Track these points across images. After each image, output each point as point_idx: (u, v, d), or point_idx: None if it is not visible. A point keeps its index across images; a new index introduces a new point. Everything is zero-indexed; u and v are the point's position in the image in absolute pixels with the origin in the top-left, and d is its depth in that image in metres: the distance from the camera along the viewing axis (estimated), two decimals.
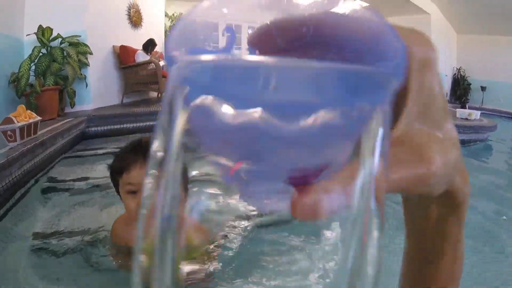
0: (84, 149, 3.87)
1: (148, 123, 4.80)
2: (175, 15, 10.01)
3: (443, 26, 10.74)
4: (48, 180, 2.80)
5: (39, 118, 3.32)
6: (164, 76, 6.66)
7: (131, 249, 0.70)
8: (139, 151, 1.14)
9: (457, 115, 5.38)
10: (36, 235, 1.85)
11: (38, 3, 5.06)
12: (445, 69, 10.72)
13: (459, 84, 11.27)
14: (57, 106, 4.73)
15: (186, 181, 1.23)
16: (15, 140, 2.96)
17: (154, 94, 7.52)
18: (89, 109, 5.39)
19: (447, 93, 10.35)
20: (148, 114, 4.99)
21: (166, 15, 9.42)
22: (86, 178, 2.76)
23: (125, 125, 4.69)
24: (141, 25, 7.34)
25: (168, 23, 9.74)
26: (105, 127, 4.57)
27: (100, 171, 2.87)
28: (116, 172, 1.17)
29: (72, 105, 5.01)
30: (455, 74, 11.52)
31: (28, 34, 4.80)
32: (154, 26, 7.98)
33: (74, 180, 2.75)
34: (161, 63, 6.75)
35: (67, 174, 2.92)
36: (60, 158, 3.38)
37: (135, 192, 1.12)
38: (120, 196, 1.22)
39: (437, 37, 10.12)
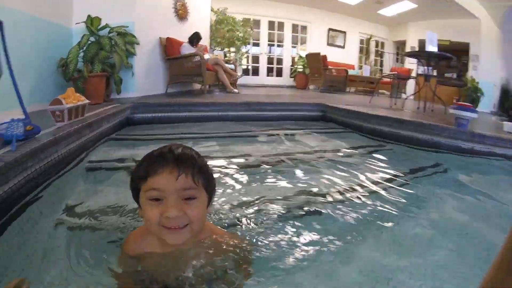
0: (127, 134, 3.91)
1: (190, 114, 4.84)
2: (220, 9, 10.06)
3: (493, 32, 10.13)
4: (90, 160, 2.82)
5: (87, 101, 3.37)
6: (208, 69, 6.70)
7: (141, 266, 1.07)
8: (169, 157, 1.04)
9: (504, 129, 4.48)
10: (72, 210, 1.88)
11: None
12: (494, 78, 9.61)
13: (508, 95, 10.45)
14: (103, 91, 4.85)
15: (212, 191, 1.17)
16: (62, 121, 3.02)
17: (197, 86, 7.59)
18: (134, 96, 5.51)
19: (494, 104, 9.56)
20: (191, 105, 4.99)
21: (212, 9, 9.48)
22: (126, 161, 2.77)
23: (168, 114, 4.71)
24: (187, 19, 7.42)
25: (214, 18, 9.79)
26: (149, 115, 4.60)
27: (141, 156, 2.88)
28: (140, 177, 1.06)
29: (118, 91, 5.16)
30: (503, 84, 10.74)
31: (77, 23, 4.97)
32: (199, 20, 8.05)
33: (115, 162, 2.77)
34: (206, 56, 6.79)
35: (109, 156, 2.95)
36: (104, 140, 3.44)
37: (158, 199, 1.03)
38: (139, 205, 1.11)
39: (486, 44, 9.61)
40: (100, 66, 4.76)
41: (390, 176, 2.59)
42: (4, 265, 1.32)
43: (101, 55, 4.80)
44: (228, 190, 2.21)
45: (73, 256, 1.40)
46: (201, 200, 1.07)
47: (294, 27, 12.72)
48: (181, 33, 6.94)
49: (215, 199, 2.00)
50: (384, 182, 2.45)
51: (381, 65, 14.54)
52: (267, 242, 1.51)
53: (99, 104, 4.52)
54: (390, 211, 1.96)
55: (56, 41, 4.72)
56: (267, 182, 2.41)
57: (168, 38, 6.52)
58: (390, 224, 1.80)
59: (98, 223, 1.71)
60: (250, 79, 11.80)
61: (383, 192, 2.25)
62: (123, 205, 1.88)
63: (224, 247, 1.25)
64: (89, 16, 4.86)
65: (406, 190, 2.32)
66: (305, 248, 1.51)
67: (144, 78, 5.96)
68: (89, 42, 4.84)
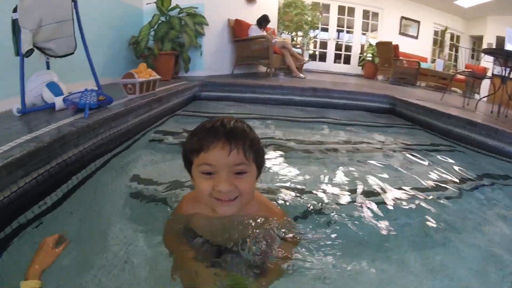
0: (194, 110, 3.94)
1: (255, 95, 4.79)
2: None
3: None
4: (157, 132, 2.87)
5: (158, 77, 3.43)
6: (275, 53, 6.59)
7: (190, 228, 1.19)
8: (221, 131, 1.02)
9: None
10: (134, 176, 1.93)
11: None
12: None
13: None
14: (172, 69, 4.95)
15: (261, 164, 1.15)
16: (134, 93, 3.09)
17: (263, 69, 7.52)
18: (201, 75, 5.55)
19: None
20: (257, 86, 4.92)
21: None
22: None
23: (234, 94, 4.70)
24: (255, 1, 7.35)
25: (282, 0, 9.64)
26: (216, 93, 4.63)
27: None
28: (193, 150, 1.05)
29: (186, 70, 5.23)
30: None
31: (148, 3, 5.10)
32: (267, 3, 7.96)
33: (179, 136, 2.78)
34: (274, 39, 6.69)
35: (175, 130, 2.98)
36: (172, 114, 3.49)
37: (210, 173, 1.03)
38: (191, 175, 1.12)
39: None
40: (170, 45, 4.83)
41: (453, 181, 2.28)
42: (67, 221, 1.44)
43: (171, 34, 4.88)
44: (279, 173, 2.12)
45: (128, 215, 1.50)
46: (251, 174, 1.08)
47: (365, 13, 12.15)
48: (250, 16, 6.86)
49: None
50: (444, 186, 2.15)
51: (455, 61, 13.42)
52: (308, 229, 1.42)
53: (168, 81, 4.61)
54: (442, 220, 1.68)
55: (128, 20, 4.88)
56: (321, 170, 2.24)
57: (236, 20, 6.49)
58: (438, 235, 1.56)
59: (155, 190, 1.76)
60: (316, 65, 11.52)
61: (439, 197, 1.97)
62: (180, 176, 1.88)
63: (270, 222, 1.24)
64: None
65: (465, 198, 2.03)
66: (345, 245, 1.36)
67: (212, 58, 5.99)
68: (160, 21, 4.93)
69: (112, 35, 4.47)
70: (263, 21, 6.79)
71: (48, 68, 2.68)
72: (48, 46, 2.44)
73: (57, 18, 2.42)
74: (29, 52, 2.28)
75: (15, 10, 2.21)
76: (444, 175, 2.36)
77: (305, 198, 1.76)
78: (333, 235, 1.39)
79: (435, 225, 1.62)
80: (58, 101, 2.39)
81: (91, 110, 2.30)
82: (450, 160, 2.77)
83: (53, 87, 2.49)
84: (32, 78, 2.49)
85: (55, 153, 1.70)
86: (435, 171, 2.42)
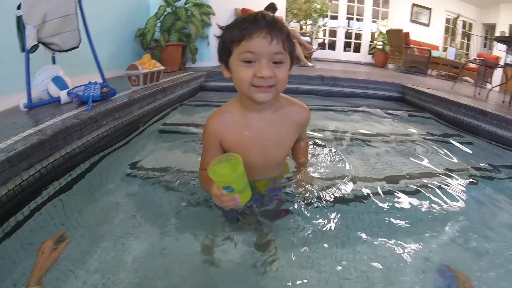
0: (200, 100, 3.95)
1: None
2: None
3: None
4: (163, 122, 2.89)
5: (162, 67, 3.45)
6: None
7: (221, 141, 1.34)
8: (263, 22, 1.09)
9: None
10: (138, 165, 1.96)
11: None
12: None
13: None
14: (179, 60, 4.96)
15: (294, 58, 1.24)
16: (138, 85, 3.12)
17: None
18: (208, 66, 5.57)
19: None
20: None
21: None
22: (196, 126, 2.76)
23: None
24: None
25: None
26: (222, 83, 4.57)
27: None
28: (234, 40, 1.12)
29: (193, 61, 5.25)
30: None
31: None
32: None
33: (185, 125, 2.81)
34: None
35: (181, 120, 3.00)
36: (178, 105, 3.51)
37: (250, 62, 1.11)
38: (227, 69, 1.20)
39: None
40: (176, 36, 4.84)
41: (460, 171, 2.18)
42: (70, 210, 1.46)
43: (177, 25, 4.88)
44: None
45: (133, 203, 1.54)
46: (286, 64, 1.17)
47: (375, 0, 11.87)
48: (257, 4, 6.76)
49: None
50: (451, 176, 2.06)
51: (467, 49, 13.00)
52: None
53: (175, 72, 4.62)
54: (446, 210, 1.64)
55: (135, 13, 4.92)
56: (323, 159, 2.14)
57: (243, 9, 6.44)
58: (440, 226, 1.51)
59: (161, 178, 1.77)
60: (325, 54, 11.37)
61: (446, 187, 1.89)
62: (186, 164, 1.91)
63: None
64: None
65: (473, 189, 1.94)
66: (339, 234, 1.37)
67: None
68: (166, 13, 4.93)
69: (119, 28, 4.51)
70: (270, 9, 6.71)
71: (54, 62, 2.72)
72: (53, 41, 2.47)
73: (61, 13, 2.44)
74: (34, 48, 2.32)
75: (19, 7, 2.24)
76: (451, 165, 2.28)
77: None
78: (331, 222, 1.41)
79: (438, 214, 1.59)
80: (63, 95, 2.42)
81: (94, 102, 2.34)
82: (459, 149, 2.71)
83: (59, 81, 2.53)
84: (38, 73, 2.53)
85: (58, 145, 1.74)
86: (441, 161, 2.35)
